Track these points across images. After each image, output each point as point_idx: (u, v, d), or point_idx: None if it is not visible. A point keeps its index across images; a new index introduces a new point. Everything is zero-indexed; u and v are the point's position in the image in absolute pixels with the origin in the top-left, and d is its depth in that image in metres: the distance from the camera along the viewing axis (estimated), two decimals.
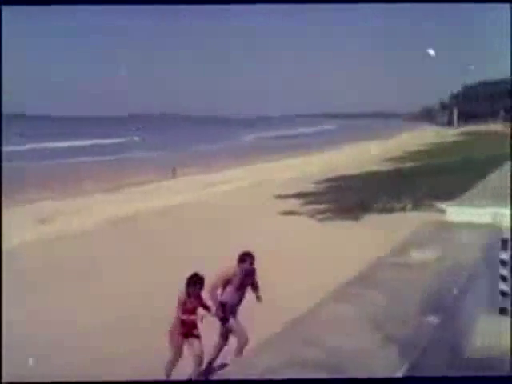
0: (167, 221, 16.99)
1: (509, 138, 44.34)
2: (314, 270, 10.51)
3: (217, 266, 7.07)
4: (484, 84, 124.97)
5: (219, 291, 7.03)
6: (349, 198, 19.32)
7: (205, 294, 6.86)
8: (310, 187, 23.32)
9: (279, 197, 20.58)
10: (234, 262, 7.03)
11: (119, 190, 24.29)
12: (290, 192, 21.51)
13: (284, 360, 2.96)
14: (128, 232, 15.61)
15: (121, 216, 17.67)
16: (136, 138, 63.19)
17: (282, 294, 8.94)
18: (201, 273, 6.68)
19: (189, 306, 6.75)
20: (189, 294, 6.68)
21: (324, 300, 3.98)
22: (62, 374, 6.06)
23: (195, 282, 6.75)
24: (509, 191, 9.10)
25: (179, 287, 6.59)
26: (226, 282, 7.05)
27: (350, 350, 3.07)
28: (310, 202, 19.12)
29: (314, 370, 2.83)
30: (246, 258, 7.09)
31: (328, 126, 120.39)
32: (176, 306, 6.66)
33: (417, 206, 16.66)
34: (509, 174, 12.78)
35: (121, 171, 30.97)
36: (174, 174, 29.70)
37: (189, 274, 6.66)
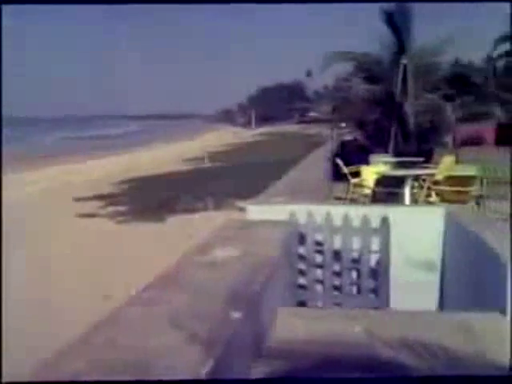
0: None
1: (302, 139, 46.64)
2: (117, 273, 10.31)
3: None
4: (280, 86, 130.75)
5: None
6: (151, 198, 19.23)
7: None
8: (111, 189, 22.90)
9: (79, 199, 19.95)
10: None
11: None
12: (91, 194, 20.95)
13: (89, 364, 2.82)
14: None
15: None
16: None
17: (84, 297, 8.66)
18: None
19: None
20: None
21: (127, 302, 3.85)
22: None
23: None
24: (305, 189, 9.54)
25: None
26: None
27: (154, 350, 3.00)
28: (111, 204, 18.76)
29: (120, 372, 2.74)
30: None
31: (132, 126, 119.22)
32: None
33: (219, 206, 16.98)
34: (304, 172, 13.44)
35: None
36: None
37: None
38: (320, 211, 7.29)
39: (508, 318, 4.77)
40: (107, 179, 26.00)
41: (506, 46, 44.65)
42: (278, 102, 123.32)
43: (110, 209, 17.84)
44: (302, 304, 7.09)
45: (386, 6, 16.05)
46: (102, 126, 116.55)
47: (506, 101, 17.68)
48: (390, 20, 15.98)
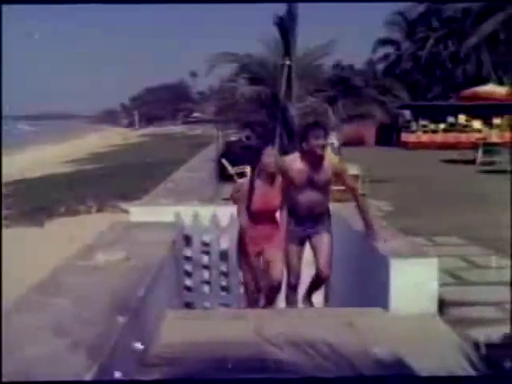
0: None
1: (187, 140, 46.62)
2: None
3: None
4: (164, 87, 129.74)
5: None
6: (31, 201, 18.49)
7: None
8: None
9: None
10: None
11: None
12: None
13: None
14: None
15: None
16: None
17: None
18: None
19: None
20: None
21: (5, 311, 3.65)
22: None
23: None
24: (191, 190, 9.47)
25: None
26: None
27: (37, 358, 2.87)
28: None
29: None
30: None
31: (11, 128, 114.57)
32: None
33: (102, 208, 16.56)
34: (189, 173, 13.37)
35: None
36: None
37: None
38: (206, 212, 7.25)
39: (390, 312, 4.91)
40: None
41: (385, 49, 46.53)
42: (162, 103, 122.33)
43: None
44: (189, 305, 7.03)
45: (278, 8, 16.21)
46: None
47: (385, 102, 18.40)
48: (281, 22, 16.16)
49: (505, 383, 3.67)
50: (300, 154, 5.53)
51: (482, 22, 35.93)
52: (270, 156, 5.53)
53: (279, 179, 5.59)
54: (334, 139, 20.16)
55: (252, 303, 5.86)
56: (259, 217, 5.62)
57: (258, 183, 5.59)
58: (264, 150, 5.58)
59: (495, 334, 4.55)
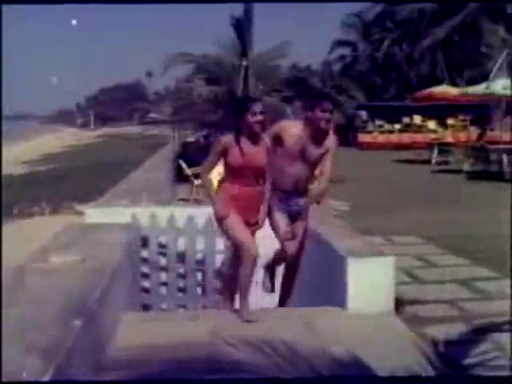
0: None
1: (143, 141, 46.20)
2: None
3: None
4: (120, 87, 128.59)
5: None
6: None
7: None
8: None
9: None
10: None
11: None
12: None
13: None
14: None
15: None
16: None
17: None
18: None
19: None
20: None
21: None
22: None
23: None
24: (148, 191, 9.39)
25: None
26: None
27: None
28: None
29: None
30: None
31: None
32: None
33: (56, 210, 16.31)
34: (146, 174, 13.26)
35: None
36: None
37: None
38: (163, 213, 7.21)
39: (348, 311, 4.95)
40: None
41: (341, 51, 46.90)
42: (118, 103, 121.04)
43: None
44: (146, 307, 6.98)
45: (234, 9, 16.25)
46: None
47: (341, 103, 18.60)
48: (237, 24, 16.19)
49: (463, 382, 3.72)
50: (304, 122, 5.28)
51: (436, 24, 36.46)
52: (257, 107, 5.02)
53: (265, 141, 5.14)
54: None
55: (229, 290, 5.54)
56: (241, 175, 5.12)
57: (242, 139, 5.06)
58: (250, 104, 5.06)
59: (449, 331, 4.61)
